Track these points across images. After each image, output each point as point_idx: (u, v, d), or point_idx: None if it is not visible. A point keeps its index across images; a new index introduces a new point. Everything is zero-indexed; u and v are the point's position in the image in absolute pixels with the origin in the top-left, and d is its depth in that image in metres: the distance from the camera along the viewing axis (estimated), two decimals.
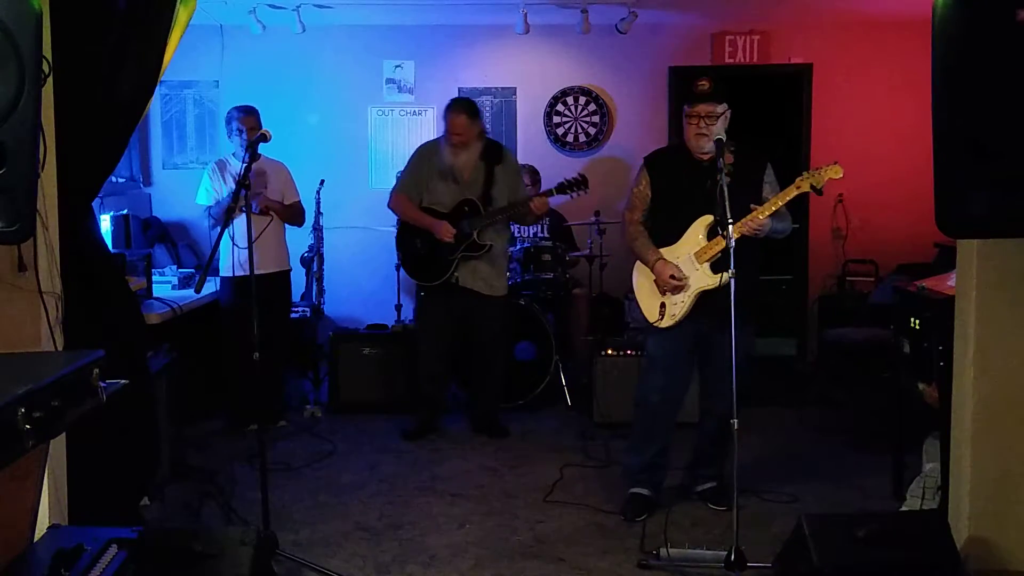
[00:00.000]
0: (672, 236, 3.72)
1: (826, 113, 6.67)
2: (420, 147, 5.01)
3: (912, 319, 3.66)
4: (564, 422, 5.30)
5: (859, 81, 6.61)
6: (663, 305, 3.71)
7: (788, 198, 3.50)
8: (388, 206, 4.99)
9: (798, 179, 3.48)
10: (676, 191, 3.74)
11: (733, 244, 3.14)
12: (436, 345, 5.01)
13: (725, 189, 3.17)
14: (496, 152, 4.91)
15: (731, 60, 6.61)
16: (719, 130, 3.60)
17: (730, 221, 3.15)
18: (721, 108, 3.62)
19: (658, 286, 3.72)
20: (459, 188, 4.81)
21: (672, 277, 3.64)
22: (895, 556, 2.73)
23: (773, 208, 3.51)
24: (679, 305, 3.67)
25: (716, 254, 3.58)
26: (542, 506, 3.98)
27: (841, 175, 3.42)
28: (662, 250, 3.72)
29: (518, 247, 5.68)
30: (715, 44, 6.61)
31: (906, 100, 6.34)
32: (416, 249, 4.88)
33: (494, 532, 3.69)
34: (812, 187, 3.45)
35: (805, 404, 5.44)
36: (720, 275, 3.46)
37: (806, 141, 6.72)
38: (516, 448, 4.82)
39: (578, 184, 4.75)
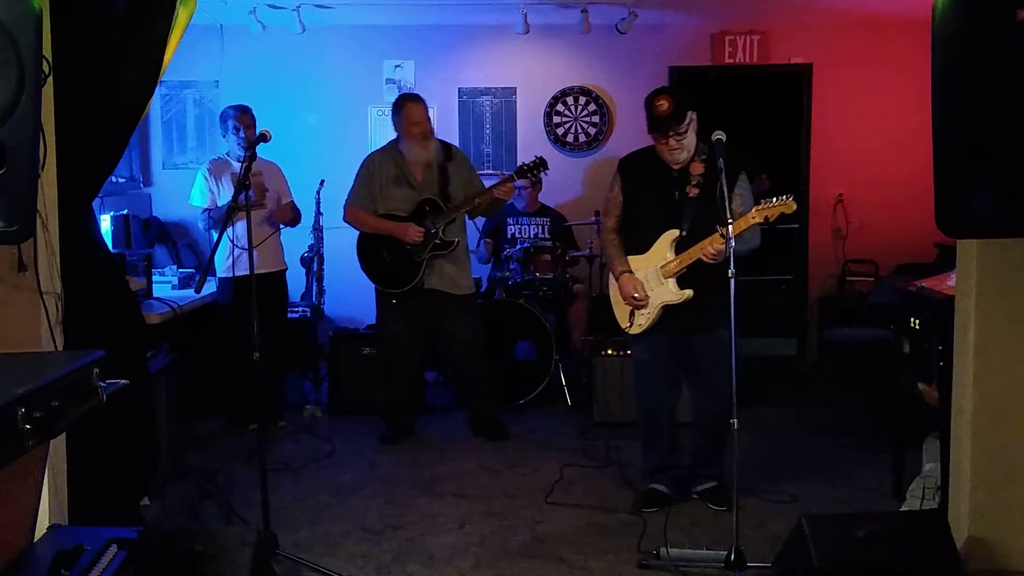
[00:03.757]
0: (642, 244, 3.75)
1: (826, 113, 6.67)
2: (367, 158, 4.92)
3: (912, 319, 3.67)
4: (564, 422, 5.30)
5: (859, 81, 6.61)
6: (632, 313, 3.79)
7: (741, 229, 3.33)
8: (344, 220, 4.90)
9: (754, 208, 3.39)
10: (646, 198, 3.76)
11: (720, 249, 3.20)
12: (406, 353, 4.95)
13: (726, 191, 3.17)
14: (446, 150, 4.91)
15: (731, 60, 6.61)
16: (691, 140, 3.62)
17: (683, 234, 3.31)
18: (686, 122, 3.57)
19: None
20: (415, 191, 4.79)
21: (634, 297, 3.70)
22: (895, 556, 2.74)
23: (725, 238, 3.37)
24: (645, 316, 3.75)
25: (682, 270, 3.62)
26: (542, 506, 3.98)
27: (794, 209, 3.33)
28: (632, 259, 3.77)
29: (518, 247, 5.68)
30: (715, 44, 6.60)
31: (906, 100, 6.34)
32: (382, 257, 4.81)
33: (494, 532, 3.69)
34: (766, 219, 3.37)
35: (805, 404, 5.44)
36: (684, 292, 3.61)
37: (806, 141, 6.72)
38: (516, 448, 4.82)
39: (536, 166, 4.77)
